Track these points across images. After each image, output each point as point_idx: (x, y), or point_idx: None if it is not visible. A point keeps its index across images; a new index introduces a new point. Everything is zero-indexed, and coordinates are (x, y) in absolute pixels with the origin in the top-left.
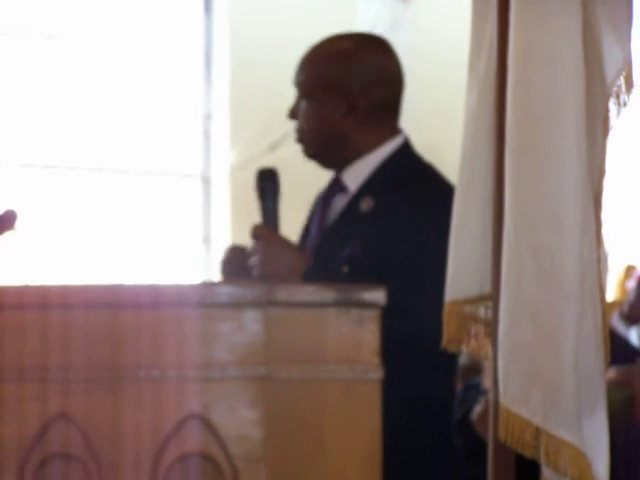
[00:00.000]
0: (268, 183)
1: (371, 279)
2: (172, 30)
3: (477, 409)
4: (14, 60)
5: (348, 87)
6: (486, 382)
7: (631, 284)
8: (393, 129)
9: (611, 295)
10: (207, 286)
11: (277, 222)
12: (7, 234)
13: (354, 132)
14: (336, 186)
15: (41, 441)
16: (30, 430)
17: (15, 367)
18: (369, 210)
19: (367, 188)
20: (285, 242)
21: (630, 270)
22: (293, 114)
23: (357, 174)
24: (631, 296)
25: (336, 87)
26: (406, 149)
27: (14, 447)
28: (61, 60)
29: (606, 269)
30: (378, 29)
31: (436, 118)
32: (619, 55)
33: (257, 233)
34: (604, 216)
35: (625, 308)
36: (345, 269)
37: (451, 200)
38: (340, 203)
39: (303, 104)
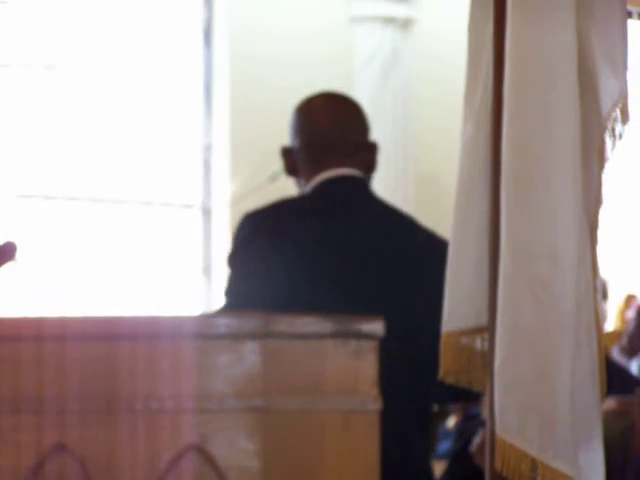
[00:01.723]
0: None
1: None
2: (172, 61)
3: (476, 440)
4: (13, 90)
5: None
6: (485, 413)
7: (631, 314)
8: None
9: (611, 325)
10: (205, 318)
11: None
12: (7, 266)
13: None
14: None
15: (38, 473)
16: (26, 462)
17: (11, 399)
18: None
19: None
20: None
21: (630, 300)
22: None
23: None
24: (631, 326)
25: None
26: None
27: (10, 479)
28: (61, 90)
29: (603, 298)
30: (377, 59)
31: (436, 148)
32: (615, 87)
33: None
34: (603, 246)
35: (624, 340)
36: None
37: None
38: None
39: None
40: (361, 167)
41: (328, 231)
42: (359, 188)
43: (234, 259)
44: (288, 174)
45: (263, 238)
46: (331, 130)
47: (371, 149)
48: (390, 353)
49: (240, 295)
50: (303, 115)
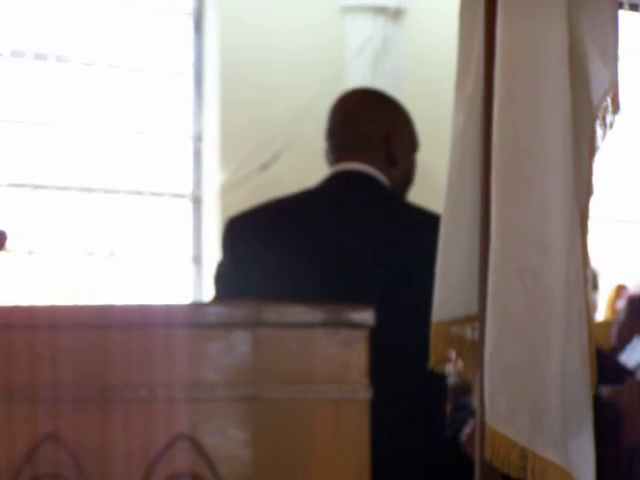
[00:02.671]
0: None
1: None
2: (162, 50)
3: (466, 430)
4: (3, 79)
5: None
6: (475, 403)
7: (621, 304)
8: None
9: (601, 315)
10: (196, 306)
11: None
12: None
13: None
14: None
15: (30, 462)
16: (19, 451)
17: (3, 388)
18: None
19: None
20: None
21: (620, 290)
22: None
23: None
24: (621, 316)
25: None
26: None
27: (3, 468)
28: (50, 80)
29: (594, 289)
30: (368, 49)
31: (426, 138)
32: (606, 76)
33: None
34: (594, 236)
35: (614, 330)
36: None
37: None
38: None
39: None
40: (375, 162)
41: (312, 235)
42: (359, 183)
43: (220, 266)
44: None
45: (243, 245)
46: (341, 125)
47: (388, 142)
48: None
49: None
50: (330, 109)
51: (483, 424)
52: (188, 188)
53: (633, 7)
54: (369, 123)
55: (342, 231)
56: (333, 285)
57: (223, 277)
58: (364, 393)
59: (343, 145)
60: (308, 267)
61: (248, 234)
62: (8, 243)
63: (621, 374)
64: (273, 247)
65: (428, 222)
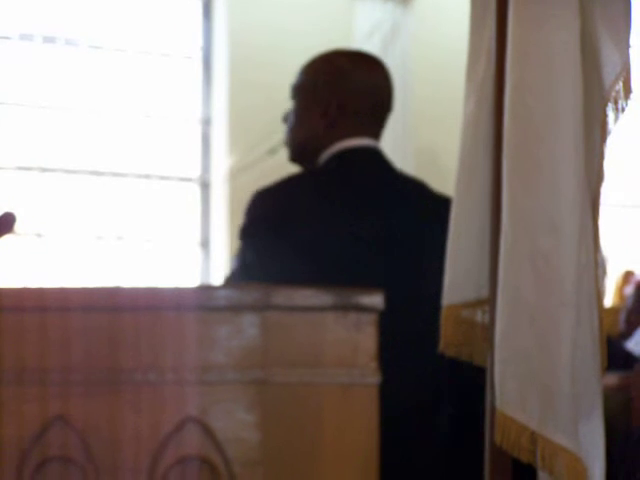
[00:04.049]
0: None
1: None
2: (171, 34)
3: None
4: (12, 62)
5: (322, 93)
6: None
7: (629, 290)
8: (342, 135)
9: (609, 301)
10: (205, 290)
11: None
12: (6, 237)
13: (325, 136)
14: None
15: (39, 444)
16: (28, 433)
17: (14, 370)
18: None
19: None
20: None
21: (628, 276)
22: (284, 117)
23: None
24: (629, 302)
25: (313, 93)
26: (341, 155)
27: (12, 450)
28: (59, 63)
29: (604, 274)
30: (377, 34)
31: (435, 123)
32: (617, 60)
33: None
34: (602, 221)
35: (622, 316)
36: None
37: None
38: None
39: (292, 108)
40: (376, 136)
41: (347, 211)
42: (377, 163)
43: (250, 239)
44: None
45: (280, 219)
46: (360, 93)
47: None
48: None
49: (251, 271)
50: (336, 70)
51: (493, 408)
52: (196, 172)
53: None
54: (386, 93)
55: (382, 216)
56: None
57: (258, 249)
58: (373, 377)
59: (354, 117)
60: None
61: (285, 206)
62: (17, 226)
63: (629, 360)
64: (309, 222)
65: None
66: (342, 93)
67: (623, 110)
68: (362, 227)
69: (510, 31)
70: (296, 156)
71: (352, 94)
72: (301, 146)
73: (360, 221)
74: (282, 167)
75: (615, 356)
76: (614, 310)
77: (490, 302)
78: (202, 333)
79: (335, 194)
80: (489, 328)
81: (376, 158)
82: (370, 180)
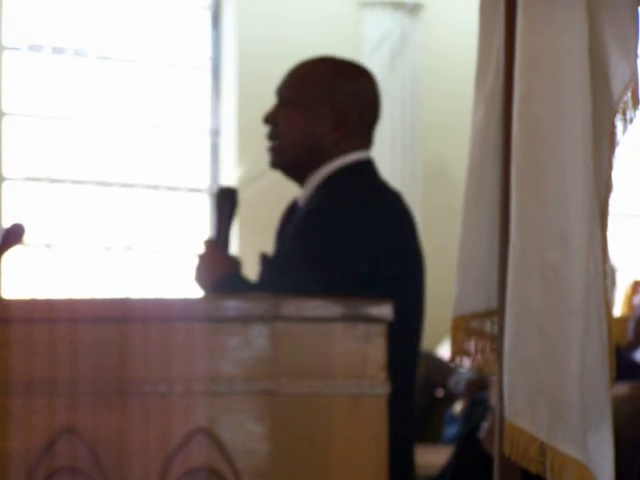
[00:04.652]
0: (225, 202)
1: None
2: (180, 45)
3: (485, 426)
4: (21, 73)
5: (340, 102)
6: (493, 398)
7: (638, 300)
8: (354, 146)
9: (618, 311)
10: (214, 300)
11: (227, 239)
12: (15, 248)
13: (333, 147)
14: (294, 207)
15: (48, 455)
16: (37, 444)
17: (23, 381)
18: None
19: (308, 202)
20: (215, 253)
21: (637, 286)
22: (271, 119)
23: (307, 190)
24: (638, 312)
25: (328, 101)
26: (360, 165)
27: (21, 461)
28: (68, 74)
29: (612, 284)
30: (386, 45)
31: (444, 133)
32: (626, 70)
33: (204, 244)
34: (611, 232)
35: (631, 326)
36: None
37: (377, 209)
38: (293, 222)
39: (288, 112)
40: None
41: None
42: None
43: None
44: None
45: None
46: (370, 104)
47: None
48: None
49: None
50: (372, 86)
51: (502, 419)
52: (205, 182)
53: None
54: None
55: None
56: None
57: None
58: (382, 388)
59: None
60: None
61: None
62: (25, 237)
63: (636, 370)
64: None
65: None
66: (359, 104)
67: (631, 121)
68: (416, 242)
69: (518, 41)
70: (289, 164)
71: (365, 106)
72: (300, 155)
73: (415, 235)
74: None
75: (624, 366)
76: (623, 320)
77: (499, 313)
78: (211, 344)
79: (400, 209)
80: (498, 339)
81: (376, 171)
82: (396, 193)
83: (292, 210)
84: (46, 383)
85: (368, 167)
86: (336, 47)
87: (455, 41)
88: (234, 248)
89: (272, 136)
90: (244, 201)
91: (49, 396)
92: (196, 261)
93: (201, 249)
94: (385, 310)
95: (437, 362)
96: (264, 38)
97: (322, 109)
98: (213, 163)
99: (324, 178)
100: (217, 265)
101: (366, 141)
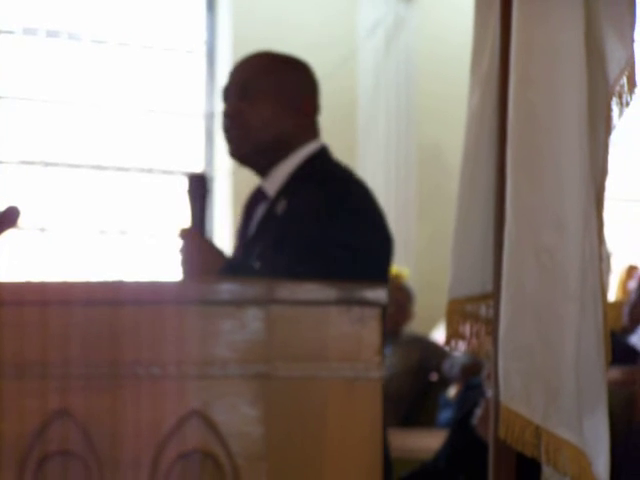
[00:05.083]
0: (197, 187)
1: (282, 273)
2: (174, 28)
3: (478, 411)
4: (16, 57)
5: (296, 92)
6: (487, 382)
7: (633, 284)
8: (312, 135)
9: (612, 295)
10: (208, 283)
11: (203, 224)
12: (9, 231)
13: (295, 136)
14: (258, 195)
15: (41, 438)
16: (30, 427)
17: (15, 364)
18: (282, 212)
19: (283, 192)
20: (202, 243)
21: (632, 270)
22: (233, 113)
23: (276, 179)
24: (632, 297)
25: (285, 91)
26: (323, 153)
27: (14, 444)
28: (63, 57)
29: (608, 268)
30: (381, 28)
31: (439, 118)
32: (622, 55)
33: (181, 234)
34: (606, 216)
35: (626, 311)
36: (257, 265)
37: (361, 200)
38: (261, 211)
39: (252, 104)
40: None
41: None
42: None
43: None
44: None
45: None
46: (317, 93)
47: None
48: None
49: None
50: (305, 71)
51: (497, 402)
52: (199, 166)
53: None
54: None
55: None
56: None
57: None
58: (377, 371)
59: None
60: None
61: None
62: (20, 220)
63: (631, 355)
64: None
65: None
66: (310, 94)
67: (627, 104)
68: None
69: (514, 25)
70: (252, 153)
71: (314, 95)
72: (266, 145)
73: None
74: None
75: (618, 350)
76: (618, 305)
77: (494, 296)
78: (206, 327)
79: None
80: (493, 323)
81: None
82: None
83: (256, 199)
84: (38, 366)
85: (331, 155)
86: (331, 31)
87: (450, 25)
88: (226, 230)
89: (231, 127)
90: (238, 185)
91: (41, 379)
92: (181, 251)
93: (183, 238)
94: (380, 293)
95: (431, 346)
96: (259, 22)
97: (282, 99)
98: (207, 147)
99: (295, 168)
100: (208, 253)
101: (317, 130)
